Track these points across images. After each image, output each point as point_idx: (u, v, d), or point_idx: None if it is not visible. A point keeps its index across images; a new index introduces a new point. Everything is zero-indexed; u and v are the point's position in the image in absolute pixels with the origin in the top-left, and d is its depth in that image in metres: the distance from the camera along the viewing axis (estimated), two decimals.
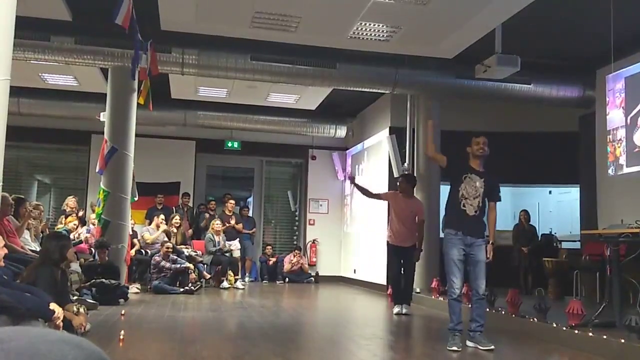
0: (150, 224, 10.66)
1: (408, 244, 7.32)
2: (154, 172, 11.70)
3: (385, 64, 8.77)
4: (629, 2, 6.80)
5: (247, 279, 11.69)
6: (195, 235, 11.52)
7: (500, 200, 5.28)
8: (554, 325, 5.50)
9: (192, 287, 9.21)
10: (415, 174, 9.51)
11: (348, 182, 12.94)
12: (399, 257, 7.41)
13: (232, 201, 11.85)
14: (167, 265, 9.34)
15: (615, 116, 8.32)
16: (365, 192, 7.69)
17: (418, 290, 8.96)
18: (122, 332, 4.88)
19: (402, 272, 7.49)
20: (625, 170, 8.09)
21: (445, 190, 10.14)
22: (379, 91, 9.88)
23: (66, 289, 5.31)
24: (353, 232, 12.54)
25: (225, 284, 10.31)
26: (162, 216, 10.58)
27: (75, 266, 7.10)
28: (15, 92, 7.63)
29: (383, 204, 9.52)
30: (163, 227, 10.44)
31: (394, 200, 7.57)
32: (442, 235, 9.81)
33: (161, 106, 10.79)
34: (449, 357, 5.09)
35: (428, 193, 9.34)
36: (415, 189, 9.46)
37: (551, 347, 5.31)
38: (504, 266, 9.81)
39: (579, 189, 9.99)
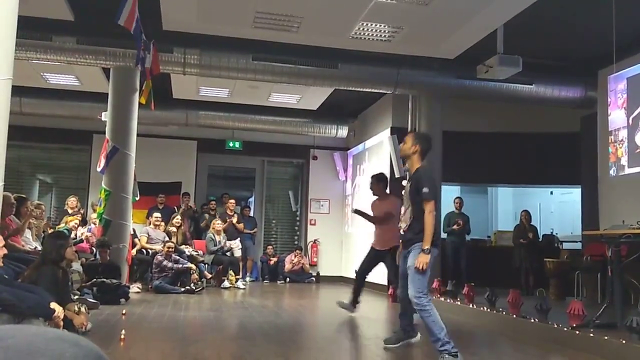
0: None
1: (385, 247, 6.89)
2: (155, 172, 11.70)
3: (387, 64, 8.76)
4: (631, 2, 6.80)
5: (248, 278, 11.69)
6: (195, 235, 11.52)
7: (424, 198, 4.39)
8: (555, 326, 5.49)
9: (194, 287, 9.21)
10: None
11: (349, 183, 12.94)
12: (375, 260, 7.16)
13: (232, 200, 11.85)
14: (170, 265, 9.33)
15: (617, 117, 8.30)
16: (368, 217, 7.38)
17: None
18: (123, 331, 4.88)
19: (365, 272, 7.28)
20: (627, 171, 8.07)
21: (446, 189, 10.24)
22: (381, 91, 9.88)
23: (67, 288, 5.32)
24: (354, 233, 12.53)
25: (226, 283, 10.31)
26: (155, 214, 10.55)
27: (76, 265, 7.11)
28: (18, 91, 7.63)
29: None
30: (162, 227, 10.44)
31: (373, 206, 7.32)
32: (443, 235, 9.93)
33: (163, 106, 10.79)
34: None
35: None
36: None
37: (552, 348, 5.30)
38: (505, 267, 9.83)
39: (580, 189, 9.98)
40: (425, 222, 4.37)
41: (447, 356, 4.16)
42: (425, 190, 4.39)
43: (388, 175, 10.32)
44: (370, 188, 7.29)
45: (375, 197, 7.27)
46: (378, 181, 7.12)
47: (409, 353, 4.91)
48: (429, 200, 4.38)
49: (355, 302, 7.26)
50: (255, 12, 7.01)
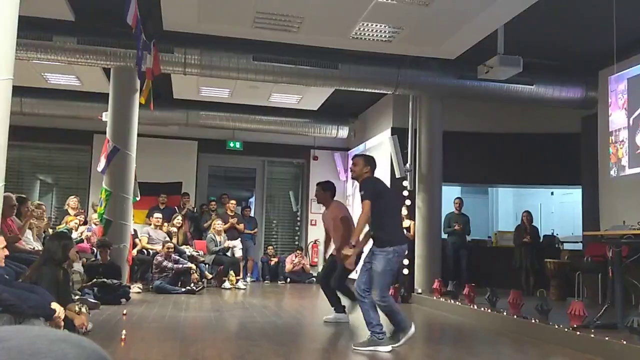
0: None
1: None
2: (155, 172, 11.69)
3: (388, 64, 8.76)
4: (632, 3, 6.80)
5: (248, 279, 11.69)
6: (196, 235, 11.52)
7: (362, 199, 5.04)
8: (556, 326, 5.49)
9: (195, 288, 9.21)
10: (417, 174, 9.51)
11: (350, 183, 12.94)
12: (333, 264, 6.61)
13: (233, 201, 11.85)
14: (169, 265, 9.34)
15: (617, 117, 8.30)
16: (328, 238, 6.89)
17: (419, 290, 8.97)
18: (124, 331, 4.88)
19: (327, 277, 6.76)
20: (628, 171, 8.07)
21: (447, 190, 10.24)
22: (381, 92, 9.88)
23: (68, 288, 5.31)
24: None
25: (226, 284, 10.31)
26: (156, 214, 10.55)
27: (77, 266, 7.11)
28: (18, 91, 7.63)
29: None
30: (163, 227, 10.44)
31: (322, 217, 6.88)
32: (444, 236, 9.94)
33: (163, 106, 10.78)
34: (449, 357, 5.10)
35: (430, 193, 9.34)
36: (417, 190, 9.42)
37: (553, 349, 5.30)
38: (505, 267, 9.83)
39: (581, 190, 9.98)
40: (358, 220, 5.10)
41: (376, 335, 4.88)
42: (361, 193, 5.08)
43: (389, 176, 10.38)
44: (316, 196, 6.98)
45: (323, 207, 6.88)
46: (324, 190, 6.74)
47: (409, 353, 4.91)
48: (363, 200, 5.02)
49: (339, 307, 6.72)
50: (255, 12, 7.01)
